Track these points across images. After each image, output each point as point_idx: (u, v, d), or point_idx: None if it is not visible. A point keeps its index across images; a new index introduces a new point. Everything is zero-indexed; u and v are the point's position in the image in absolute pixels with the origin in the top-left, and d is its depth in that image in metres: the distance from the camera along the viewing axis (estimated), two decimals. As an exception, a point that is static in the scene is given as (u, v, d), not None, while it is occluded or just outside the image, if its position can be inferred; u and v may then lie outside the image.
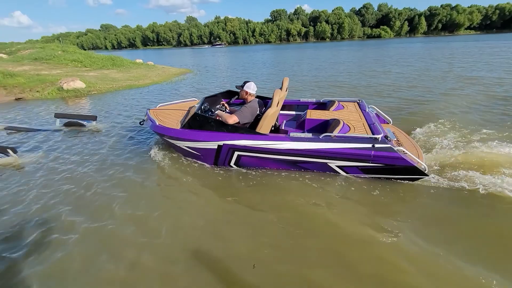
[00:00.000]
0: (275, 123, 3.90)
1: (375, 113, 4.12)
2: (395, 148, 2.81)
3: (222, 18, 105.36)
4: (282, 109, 4.58)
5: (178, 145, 3.69)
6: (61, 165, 3.95)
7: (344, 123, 3.31)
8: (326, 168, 3.22)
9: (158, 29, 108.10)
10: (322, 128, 3.48)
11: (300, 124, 3.83)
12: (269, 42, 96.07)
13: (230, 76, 13.68)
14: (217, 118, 3.45)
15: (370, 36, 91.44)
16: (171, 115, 4.33)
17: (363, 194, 2.90)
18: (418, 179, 2.98)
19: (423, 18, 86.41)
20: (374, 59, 18.08)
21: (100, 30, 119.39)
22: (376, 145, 2.84)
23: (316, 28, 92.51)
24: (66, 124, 5.80)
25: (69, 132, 5.45)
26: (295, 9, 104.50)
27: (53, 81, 10.53)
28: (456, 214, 2.52)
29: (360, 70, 12.64)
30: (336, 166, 3.13)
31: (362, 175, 3.14)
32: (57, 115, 5.93)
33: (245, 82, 3.50)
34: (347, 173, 3.18)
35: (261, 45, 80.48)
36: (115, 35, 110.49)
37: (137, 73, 14.04)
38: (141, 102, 8.12)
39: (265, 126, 3.24)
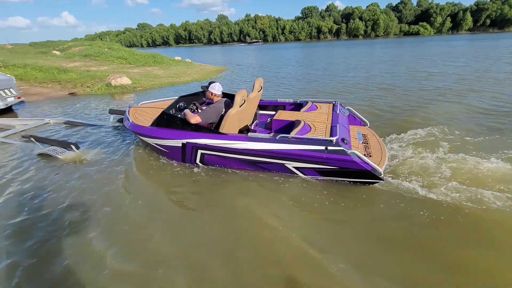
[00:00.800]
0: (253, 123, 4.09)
1: (349, 115, 4.12)
2: (348, 152, 2.81)
3: (252, 16, 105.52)
4: (262, 110, 4.72)
5: (149, 142, 3.87)
6: (115, 163, 4.04)
7: (305, 124, 3.33)
8: (284, 169, 3.26)
9: (190, 27, 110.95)
10: (288, 129, 3.47)
11: (268, 124, 3.91)
12: (299, 39, 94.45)
13: (264, 75, 13.51)
14: (184, 117, 3.51)
15: (407, 33, 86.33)
16: (148, 113, 4.45)
17: (315, 198, 2.88)
18: (373, 183, 2.96)
19: (468, 14, 79.61)
20: (418, 58, 16.93)
21: (137, 28, 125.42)
22: (329, 148, 2.86)
23: (348, 25, 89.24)
24: (119, 120, 6.02)
25: (122, 128, 5.64)
26: (327, 6, 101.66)
27: (101, 77, 11.12)
28: (405, 232, 2.39)
29: (405, 71, 11.84)
30: (293, 167, 3.17)
31: (319, 177, 3.17)
32: (111, 111, 6.16)
33: (210, 83, 3.60)
34: (304, 174, 3.22)
35: (291, 43, 79.44)
36: (150, 33, 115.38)
37: (177, 70, 14.43)
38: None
39: (227, 126, 3.30)
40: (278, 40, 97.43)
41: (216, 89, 3.56)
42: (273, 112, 4.57)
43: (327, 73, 12.53)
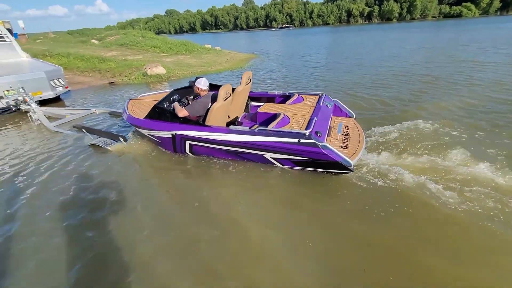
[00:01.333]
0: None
1: (334, 106, 4.29)
2: (319, 144, 2.98)
3: (279, 0, 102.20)
4: (256, 101, 4.91)
5: (144, 133, 4.15)
6: (157, 156, 4.14)
7: (284, 116, 3.57)
8: (263, 160, 3.46)
9: (217, 13, 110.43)
10: (271, 121, 3.62)
11: (253, 117, 4.08)
12: (327, 24, 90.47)
13: (294, 63, 13.12)
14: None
15: (447, 16, 79.20)
16: (145, 106, 4.66)
17: (289, 187, 3.15)
18: (343, 173, 3.16)
19: (523, -8, 71.06)
20: (462, 45, 15.47)
21: (165, 15, 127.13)
22: (302, 140, 3.04)
23: (382, 8, 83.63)
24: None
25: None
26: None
27: (138, 66, 11.49)
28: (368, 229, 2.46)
29: (451, 60, 10.85)
30: (271, 158, 3.38)
31: (296, 168, 3.38)
32: (153, 102, 6.37)
33: (197, 78, 3.80)
34: (282, 165, 3.43)
35: (319, 28, 76.27)
36: (178, 19, 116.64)
37: (208, 59, 14.51)
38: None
39: (212, 119, 3.52)
40: (306, 25, 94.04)
41: (202, 84, 3.78)
42: (262, 104, 4.76)
43: (361, 62, 11.90)
